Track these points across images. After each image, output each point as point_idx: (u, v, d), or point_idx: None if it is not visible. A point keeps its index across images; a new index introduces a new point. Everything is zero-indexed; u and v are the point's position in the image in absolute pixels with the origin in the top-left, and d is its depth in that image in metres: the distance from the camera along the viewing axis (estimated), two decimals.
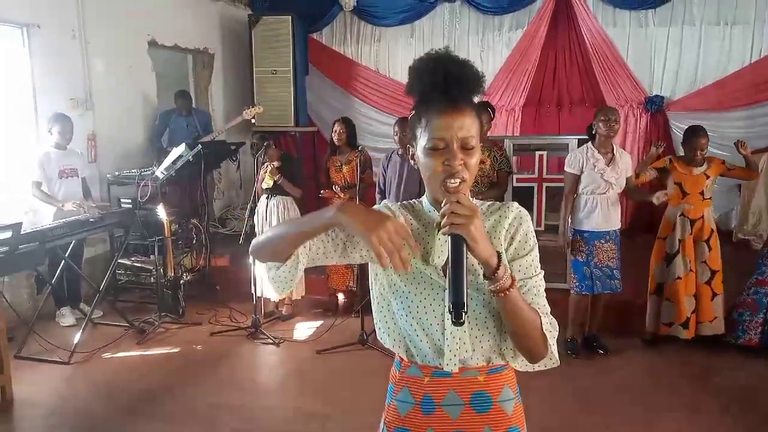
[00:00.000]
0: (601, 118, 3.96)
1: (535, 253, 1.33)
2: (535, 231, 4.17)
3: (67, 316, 4.87)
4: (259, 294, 4.74)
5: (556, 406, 3.50)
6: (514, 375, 1.39)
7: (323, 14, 7.47)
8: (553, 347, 1.30)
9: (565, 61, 7.02)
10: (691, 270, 4.07)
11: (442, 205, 1.17)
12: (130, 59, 6.12)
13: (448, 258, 1.17)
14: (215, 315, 5.03)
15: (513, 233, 1.33)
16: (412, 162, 1.35)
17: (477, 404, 1.32)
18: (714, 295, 4.10)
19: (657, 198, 3.95)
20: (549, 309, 1.32)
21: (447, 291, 1.15)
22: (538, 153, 5.00)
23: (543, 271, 1.33)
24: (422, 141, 1.27)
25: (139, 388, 3.80)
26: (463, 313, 1.11)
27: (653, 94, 6.58)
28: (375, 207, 1.38)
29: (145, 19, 6.22)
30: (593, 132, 4.03)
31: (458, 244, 1.14)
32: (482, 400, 1.32)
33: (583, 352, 4.19)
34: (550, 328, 1.29)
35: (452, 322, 1.13)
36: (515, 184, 4.90)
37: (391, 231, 1.11)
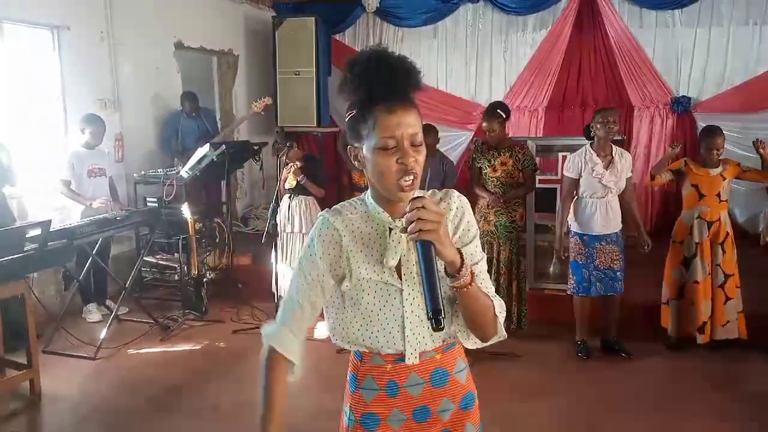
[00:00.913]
0: (599, 119, 3.89)
1: (477, 239, 1.38)
2: (557, 235, 4.12)
3: (93, 313, 4.97)
4: (280, 292, 4.78)
5: (580, 409, 3.47)
6: (462, 347, 1.45)
7: (346, 16, 7.50)
8: (501, 325, 1.37)
9: (589, 61, 6.94)
10: (708, 273, 4.01)
11: (407, 210, 1.16)
12: (157, 61, 6.22)
13: (417, 262, 1.20)
14: (237, 313, 5.08)
15: (457, 223, 1.36)
16: (356, 163, 1.33)
17: (436, 380, 1.39)
18: (727, 299, 4.03)
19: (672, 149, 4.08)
20: (494, 289, 1.39)
21: (424, 299, 1.16)
22: (560, 154, 4.96)
23: (485, 255, 1.40)
24: (370, 141, 1.25)
25: (163, 384, 3.86)
26: (442, 319, 1.14)
27: (680, 95, 6.49)
28: (316, 224, 1.38)
29: (171, 21, 6.31)
30: (591, 134, 3.98)
31: (428, 249, 1.16)
32: (440, 375, 1.39)
33: (605, 357, 4.15)
34: (501, 310, 1.36)
35: (433, 328, 1.15)
36: (538, 185, 4.87)
37: None
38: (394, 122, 1.23)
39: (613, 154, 3.96)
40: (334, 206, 1.40)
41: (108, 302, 5.08)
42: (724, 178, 4.00)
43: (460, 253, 1.22)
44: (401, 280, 1.32)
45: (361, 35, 7.62)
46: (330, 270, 1.34)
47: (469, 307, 1.29)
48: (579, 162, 3.99)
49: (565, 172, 4.10)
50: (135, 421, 3.44)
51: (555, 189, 4.96)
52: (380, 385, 1.39)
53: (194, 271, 4.92)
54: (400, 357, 1.36)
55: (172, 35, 6.38)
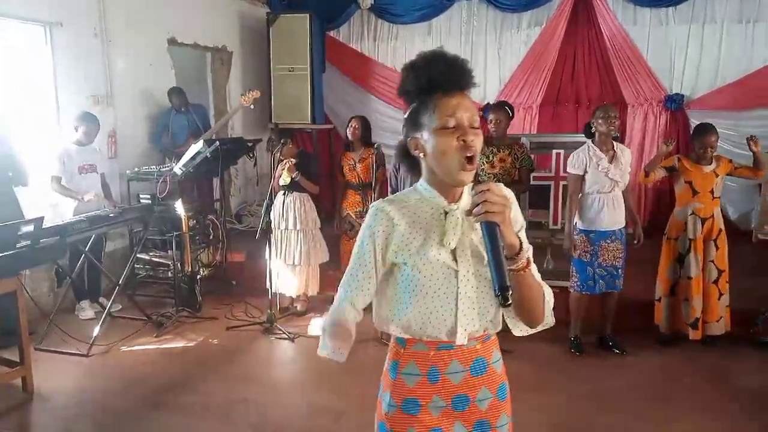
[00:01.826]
0: (601, 115, 3.92)
1: (524, 231, 1.46)
2: (552, 229, 4.21)
3: (86, 310, 4.95)
4: (274, 289, 4.78)
5: (572, 405, 3.49)
6: (497, 338, 1.53)
7: (341, 12, 7.49)
8: (551, 312, 1.47)
9: (583, 58, 6.96)
10: (702, 269, 4.04)
11: (473, 193, 1.26)
12: (150, 57, 6.19)
13: (483, 242, 1.28)
14: (231, 310, 5.07)
15: None
16: (416, 153, 1.42)
17: (475, 369, 1.46)
18: (720, 294, 4.06)
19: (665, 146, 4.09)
20: (540, 277, 1.45)
21: (491, 276, 1.24)
22: (555, 151, 4.98)
23: (531, 246, 1.44)
24: (431, 124, 1.36)
25: (156, 381, 3.85)
26: (510, 295, 1.21)
27: (673, 93, 6.52)
28: (370, 212, 1.46)
29: (165, 17, 6.29)
30: (592, 131, 4.00)
31: (494, 231, 1.24)
32: (480, 364, 1.47)
33: (599, 353, 4.17)
34: (550, 297, 1.47)
35: (501, 305, 1.24)
36: (532, 182, 4.88)
37: None
38: (454, 103, 1.35)
39: (615, 149, 3.98)
40: (387, 197, 1.49)
41: (101, 299, 5.07)
42: (717, 175, 4.03)
43: (519, 238, 1.31)
44: (456, 262, 1.39)
45: (356, 32, 7.62)
46: (383, 253, 1.42)
47: (523, 291, 1.35)
48: (584, 158, 4.00)
49: (569, 170, 4.10)
50: (128, 418, 3.43)
51: (549, 186, 4.97)
52: (422, 371, 1.45)
53: (188, 268, 4.91)
54: (444, 344, 1.43)
55: (166, 31, 6.35)
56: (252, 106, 6.01)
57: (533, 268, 1.39)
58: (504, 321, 1.51)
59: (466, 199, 1.41)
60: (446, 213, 1.40)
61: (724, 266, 4.07)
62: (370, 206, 1.47)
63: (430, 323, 1.41)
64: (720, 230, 4.07)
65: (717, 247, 4.05)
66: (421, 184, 1.45)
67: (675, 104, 6.49)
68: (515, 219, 1.41)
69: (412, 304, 1.41)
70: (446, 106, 1.34)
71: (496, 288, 1.22)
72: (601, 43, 6.74)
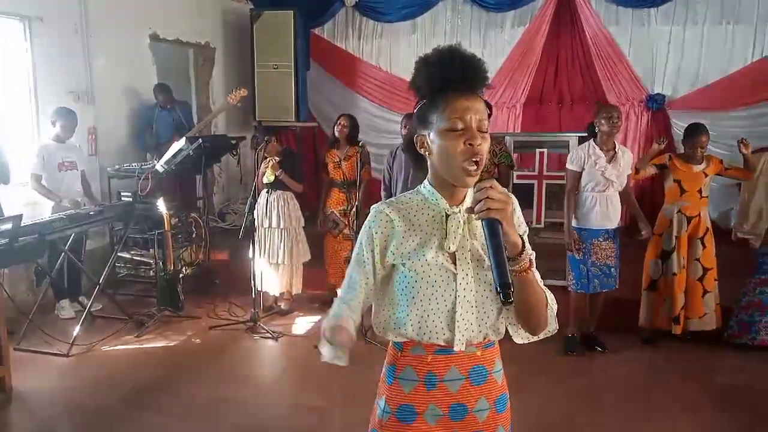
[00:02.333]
0: (604, 115, 3.96)
1: (526, 236, 1.42)
2: (535, 228, 4.22)
3: (66, 309, 4.88)
4: (258, 288, 4.75)
5: (554, 403, 3.51)
6: (499, 348, 1.49)
7: (325, 9, 7.45)
8: (554, 318, 1.43)
9: (566, 58, 7.00)
10: (683, 267, 4.09)
11: (474, 191, 1.25)
12: (132, 53, 6.12)
13: (483, 242, 1.27)
14: (214, 309, 5.04)
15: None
16: (422, 151, 1.40)
17: (475, 377, 1.42)
18: (705, 292, 4.11)
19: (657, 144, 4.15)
20: (543, 284, 1.43)
21: (492, 273, 1.22)
22: (538, 150, 5.00)
23: (534, 252, 1.41)
24: (440, 124, 1.33)
25: (137, 381, 3.81)
26: (511, 293, 1.19)
27: (654, 92, 6.58)
28: (371, 215, 1.43)
29: (146, 13, 6.21)
30: (595, 129, 4.03)
31: (495, 228, 1.23)
32: (479, 373, 1.43)
33: (581, 350, 4.20)
34: (553, 302, 1.42)
35: (502, 302, 1.21)
36: (515, 180, 4.90)
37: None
38: (464, 105, 1.31)
39: (616, 150, 4.01)
40: (389, 200, 1.47)
41: (81, 298, 5.00)
42: (706, 175, 4.08)
43: (521, 238, 1.29)
44: (455, 265, 1.36)
45: (340, 30, 7.58)
46: (381, 255, 1.39)
47: (525, 295, 1.31)
48: (582, 155, 4.03)
49: (568, 165, 4.12)
50: (109, 418, 3.39)
51: (532, 185, 4.99)
52: (420, 377, 1.41)
53: (170, 267, 4.86)
54: (442, 348, 1.39)
55: (148, 27, 6.28)
56: (239, 104, 5.98)
57: (537, 273, 1.37)
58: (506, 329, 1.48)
59: (468, 203, 1.38)
60: (448, 216, 1.38)
61: (710, 264, 4.13)
62: (371, 208, 1.45)
63: (427, 327, 1.38)
64: (707, 229, 4.13)
65: (704, 246, 4.11)
66: (425, 185, 1.43)
67: (656, 104, 6.55)
68: (518, 223, 1.40)
69: (409, 307, 1.38)
70: (456, 107, 1.31)
71: (497, 285, 1.19)
72: (584, 42, 6.77)
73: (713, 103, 6.30)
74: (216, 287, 5.47)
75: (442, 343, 1.38)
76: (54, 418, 3.39)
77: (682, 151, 4.20)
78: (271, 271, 4.89)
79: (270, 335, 4.49)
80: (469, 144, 1.30)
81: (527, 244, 1.37)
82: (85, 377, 3.89)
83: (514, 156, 4.96)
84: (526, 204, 5.12)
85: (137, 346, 4.37)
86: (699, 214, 4.10)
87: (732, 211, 6.40)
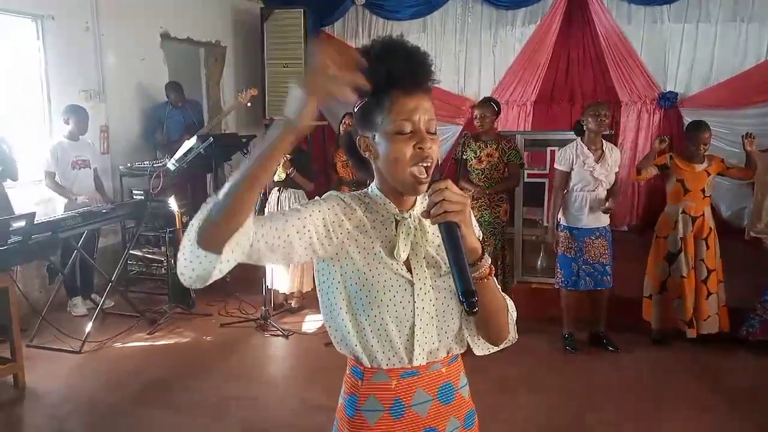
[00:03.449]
0: (591, 113, 3.92)
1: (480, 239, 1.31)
2: (546, 227, 4.18)
3: (78, 306, 4.92)
4: (268, 286, 4.76)
5: (565, 402, 3.50)
6: (462, 363, 1.38)
7: (335, 8, 7.46)
8: (514, 327, 1.33)
9: (578, 56, 6.96)
10: (692, 268, 4.04)
11: (429, 193, 1.12)
12: (143, 52, 6.15)
13: (442, 248, 1.14)
14: (225, 306, 5.06)
15: None
16: (366, 154, 1.26)
17: (443, 396, 1.31)
18: (708, 293, 4.06)
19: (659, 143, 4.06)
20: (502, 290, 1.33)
21: (454, 281, 1.09)
22: (549, 149, 4.98)
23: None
24: (385, 126, 1.20)
25: (149, 378, 3.83)
26: (476, 301, 1.06)
27: (667, 91, 6.53)
28: (325, 195, 1.29)
29: (158, 11, 6.24)
30: (582, 128, 4.01)
31: (453, 232, 1.11)
32: (447, 391, 1.31)
33: (592, 350, 4.18)
34: (513, 310, 1.32)
35: (466, 312, 1.07)
36: (526, 179, 4.89)
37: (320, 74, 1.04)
38: (412, 106, 1.19)
39: (604, 149, 3.98)
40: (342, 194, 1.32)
41: (93, 296, 5.04)
42: (709, 174, 4.04)
43: (480, 242, 1.19)
44: (411, 273, 1.24)
45: (350, 28, 7.59)
46: (330, 233, 1.21)
47: (488, 302, 1.21)
48: (570, 155, 4.01)
49: (556, 166, 4.11)
50: (120, 415, 3.41)
51: (543, 183, 4.97)
52: (385, 406, 1.28)
53: None
54: (406, 372, 1.27)
55: (159, 26, 6.31)
56: (249, 104, 6.00)
57: (494, 280, 1.25)
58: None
59: (419, 207, 1.28)
60: (398, 221, 1.25)
61: (713, 265, 4.08)
62: (326, 194, 1.30)
63: (387, 340, 1.24)
64: (711, 229, 4.08)
65: (708, 246, 4.06)
66: (372, 189, 1.29)
67: (668, 102, 6.51)
68: (474, 225, 1.26)
69: (369, 316, 1.23)
70: (404, 108, 1.18)
71: (461, 293, 1.06)
72: (596, 40, 6.74)
73: (726, 101, 6.25)
74: (227, 285, 5.47)
75: (406, 363, 1.26)
76: (66, 415, 3.41)
77: (686, 150, 4.14)
78: (282, 270, 4.91)
79: (280, 333, 4.51)
80: (419, 148, 1.18)
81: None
82: (97, 374, 3.92)
83: (525, 155, 4.94)
84: (536, 202, 5.11)
85: (149, 344, 4.40)
86: (703, 214, 4.05)
87: (745, 211, 6.34)
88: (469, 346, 1.35)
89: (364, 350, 1.26)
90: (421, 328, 1.24)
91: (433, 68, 1.24)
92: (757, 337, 4.10)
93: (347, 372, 1.35)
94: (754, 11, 6.16)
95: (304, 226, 1.17)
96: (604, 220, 4.05)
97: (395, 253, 1.23)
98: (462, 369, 1.37)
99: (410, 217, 1.26)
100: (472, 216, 1.23)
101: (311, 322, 4.82)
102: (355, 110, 1.27)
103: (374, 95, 1.21)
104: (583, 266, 4.03)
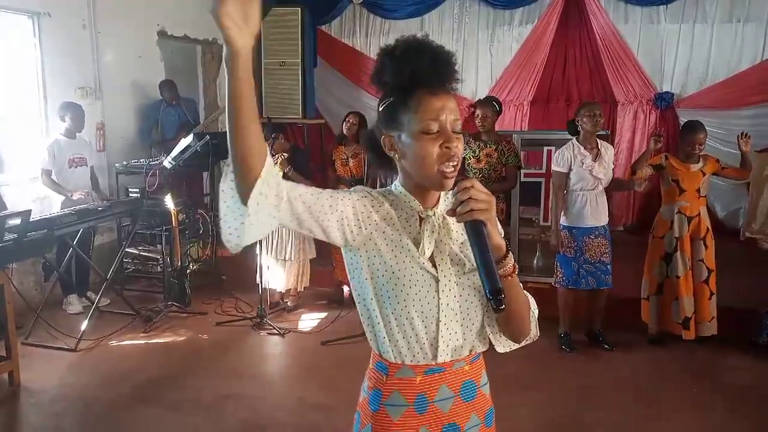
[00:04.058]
0: (586, 113, 3.93)
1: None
2: (542, 226, 4.19)
3: (74, 304, 4.91)
4: (264, 285, 4.76)
5: (562, 401, 3.51)
6: (484, 361, 1.41)
7: (332, 6, 7.45)
8: (536, 324, 1.35)
9: (574, 56, 6.97)
10: (689, 269, 4.05)
11: (455, 191, 1.14)
12: (140, 49, 6.13)
13: (470, 245, 1.15)
14: (221, 305, 5.05)
15: None
16: (390, 153, 1.28)
17: (465, 393, 1.34)
18: (711, 294, 4.08)
19: (638, 184, 3.96)
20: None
21: (481, 279, 1.11)
22: (546, 148, 4.98)
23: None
24: (411, 126, 1.22)
25: (144, 376, 3.82)
26: (503, 299, 1.09)
27: (663, 91, 6.55)
28: (353, 188, 1.31)
29: (155, 9, 6.23)
30: (577, 128, 4.01)
31: (479, 230, 1.13)
32: (469, 388, 1.34)
33: (589, 349, 4.19)
34: (535, 308, 1.35)
35: (494, 309, 1.10)
36: (522, 179, 4.89)
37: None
38: (438, 105, 1.21)
39: (599, 147, 3.99)
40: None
41: (89, 293, 5.03)
42: (704, 174, 4.05)
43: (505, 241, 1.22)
44: (436, 269, 1.26)
45: (348, 26, 7.58)
46: (355, 221, 1.22)
47: (510, 300, 1.20)
48: (569, 156, 4.01)
49: (554, 167, 4.11)
50: (116, 413, 3.41)
51: (540, 183, 4.98)
52: (409, 401, 1.30)
53: (177, 263, 4.88)
54: (430, 368, 1.30)
55: (156, 23, 6.29)
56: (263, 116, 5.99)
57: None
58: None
59: (443, 205, 1.30)
60: (422, 219, 1.28)
61: (713, 265, 4.09)
62: (353, 188, 1.32)
63: (413, 334, 1.27)
64: (707, 229, 4.10)
65: (706, 246, 4.07)
66: (396, 186, 1.32)
67: (665, 102, 6.52)
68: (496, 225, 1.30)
69: (396, 308, 1.26)
70: (430, 108, 1.20)
71: (488, 291, 1.09)
72: (592, 40, 6.75)
73: (722, 102, 6.27)
74: (223, 283, 5.48)
75: (431, 360, 1.29)
76: (61, 412, 3.40)
77: (681, 150, 4.15)
78: (278, 268, 4.90)
79: (276, 331, 4.50)
80: (446, 147, 1.20)
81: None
82: (93, 372, 3.91)
83: (521, 154, 4.95)
84: (532, 201, 5.11)
85: (144, 342, 4.39)
86: (698, 214, 4.06)
87: (741, 211, 6.36)
88: (491, 343, 1.37)
89: (390, 344, 1.29)
90: (445, 324, 1.27)
91: (456, 68, 1.26)
92: None
93: (371, 366, 1.37)
94: (751, 12, 6.18)
95: (338, 205, 1.19)
96: (603, 219, 4.05)
97: (420, 249, 1.25)
98: (483, 367, 1.39)
99: (434, 214, 1.28)
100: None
101: (307, 321, 4.82)
102: (379, 109, 1.29)
103: (399, 95, 1.24)
104: (584, 265, 4.03)
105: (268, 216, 1.11)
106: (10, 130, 4.96)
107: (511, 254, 1.21)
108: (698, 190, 4.05)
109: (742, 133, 4.14)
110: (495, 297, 1.09)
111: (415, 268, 1.25)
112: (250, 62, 1.04)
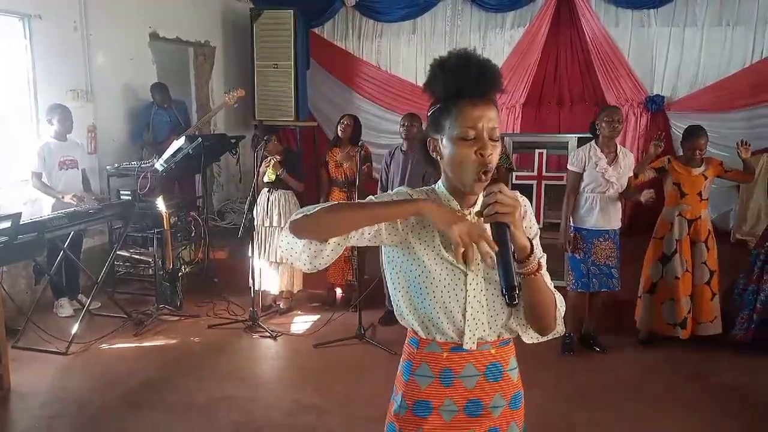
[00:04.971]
0: (605, 118, 3.95)
1: (538, 238, 1.45)
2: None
3: (65, 307, 4.88)
4: (257, 287, 4.75)
5: (553, 402, 3.51)
6: (514, 347, 1.51)
7: (325, 9, 7.46)
8: (561, 320, 1.44)
9: (566, 59, 7.02)
10: (687, 270, 4.08)
11: (484, 195, 1.25)
12: (131, 51, 6.11)
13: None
14: (213, 307, 5.03)
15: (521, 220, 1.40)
16: (434, 155, 1.40)
17: (491, 374, 1.45)
18: (713, 295, 4.11)
19: (644, 197, 3.94)
20: (553, 285, 1.43)
21: (499, 275, 1.23)
22: (537, 151, 5.01)
23: (545, 253, 1.44)
24: (452, 131, 1.33)
25: (136, 380, 3.80)
26: (517, 295, 1.21)
27: (654, 94, 6.59)
28: (393, 191, 1.45)
29: (146, 11, 6.21)
30: (597, 131, 4.04)
31: (503, 231, 1.24)
32: (495, 370, 1.45)
33: (582, 351, 4.20)
34: (561, 305, 1.44)
35: (507, 304, 1.24)
36: (515, 181, 4.91)
37: (469, 227, 1.24)
38: (477, 114, 1.31)
39: (618, 152, 4.01)
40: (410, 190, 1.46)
41: (80, 296, 5.00)
42: (706, 178, 4.07)
43: (530, 241, 1.30)
44: (466, 265, 1.37)
45: (340, 29, 7.59)
46: (392, 224, 1.37)
47: (533, 296, 1.34)
48: (584, 157, 4.03)
49: (569, 167, 4.13)
50: (107, 417, 3.39)
51: (532, 185, 5.00)
52: (435, 373, 1.43)
53: (169, 265, 4.86)
54: (457, 346, 1.41)
55: (147, 25, 6.27)
56: (236, 105, 5.97)
57: (546, 275, 1.39)
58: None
59: (479, 206, 1.37)
60: None
61: (715, 267, 4.12)
62: (395, 189, 1.46)
63: (441, 322, 1.39)
64: (709, 231, 4.13)
65: (708, 248, 4.10)
66: (439, 186, 1.44)
67: (655, 105, 6.57)
68: (530, 226, 1.43)
69: (425, 300, 1.39)
70: (469, 115, 1.31)
71: (503, 288, 1.22)
72: (584, 44, 6.79)
73: (713, 105, 6.32)
74: (215, 286, 5.46)
75: (457, 340, 1.40)
76: (52, 416, 3.38)
77: (681, 154, 4.20)
78: (271, 271, 4.90)
79: (269, 334, 4.49)
80: (480, 154, 1.30)
81: (538, 247, 1.40)
82: (84, 375, 3.89)
83: (514, 157, 4.97)
84: None
85: (136, 345, 4.37)
86: (700, 217, 4.09)
87: (731, 213, 6.42)
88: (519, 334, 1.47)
89: (421, 326, 1.43)
90: (472, 315, 1.39)
91: (501, 80, 1.36)
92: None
93: (406, 342, 1.51)
94: (740, 15, 6.24)
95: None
96: (614, 223, 4.06)
97: (453, 246, 1.32)
98: (513, 353, 1.50)
99: (470, 214, 1.38)
100: (529, 215, 1.44)
101: (300, 323, 4.81)
102: (428, 114, 1.42)
103: (445, 102, 1.36)
104: (591, 267, 4.05)
105: (337, 244, 1.33)
106: (1, 132, 4.93)
107: (535, 254, 1.31)
108: (700, 194, 4.08)
109: (741, 141, 4.18)
110: (509, 293, 1.21)
111: (445, 264, 1.38)
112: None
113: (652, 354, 4.18)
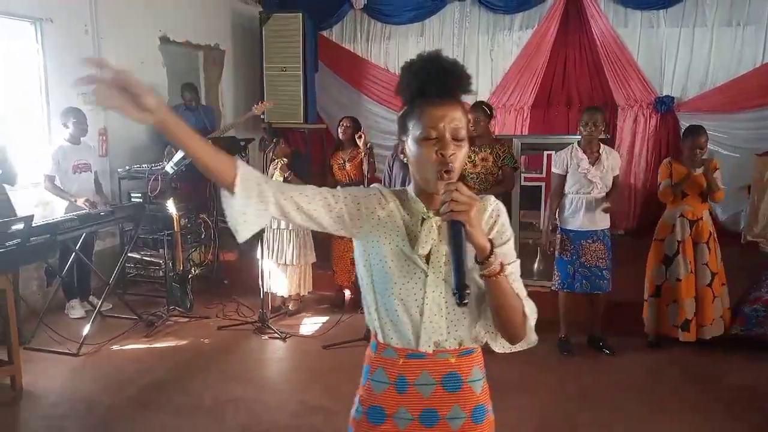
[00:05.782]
0: (584, 120, 3.96)
1: (512, 242, 1.41)
2: (543, 230, 4.12)
3: (76, 309, 4.92)
4: (266, 289, 4.77)
5: (560, 403, 3.51)
6: (482, 357, 1.46)
7: (333, 12, 7.49)
8: (532, 329, 1.38)
9: (575, 60, 7.00)
10: (690, 272, 4.05)
11: (441, 193, 1.24)
12: (142, 55, 6.16)
13: (448, 243, 1.24)
14: (223, 309, 5.06)
15: (492, 224, 1.40)
16: (401, 156, 1.42)
17: (448, 384, 1.40)
18: (714, 297, 4.08)
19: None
20: (526, 293, 1.39)
21: (452, 274, 1.20)
22: (546, 152, 4.99)
23: (519, 260, 1.41)
24: (415, 131, 1.33)
25: (146, 381, 3.83)
26: (467, 294, 1.17)
27: (663, 95, 6.56)
28: (368, 188, 1.46)
29: (157, 14, 6.26)
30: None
31: (458, 229, 1.21)
32: (453, 380, 1.40)
33: (588, 352, 4.19)
34: (532, 313, 1.37)
35: (457, 303, 1.19)
36: (523, 183, 4.90)
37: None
38: (439, 114, 1.30)
39: (601, 152, 4.01)
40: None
41: (91, 298, 5.04)
42: (707, 178, 4.04)
43: (491, 242, 1.27)
44: (428, 266, 1.36)
45: (349, 32, 7.62)
46: (357, 214, 1.38)
47: (496, 300, 1.30)
48: (566, 158, 4.04)
49: (552, 169, 4.16)
50: (118, 417, 3.42)
51: (540, 187, 4.99)
52: (390, 379, 1.42)
53: (179, 267, 4.89)
54: (414, 353, 1.39)
55: (158, 29, 6.33)
56: (262, 116, 6.05)
57: (518, 284, 1.36)
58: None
59: None
60: (424, 219, 1.38)
61: (716, 268, 4.10)
62: (372, 185, 1.47)
63: (400, 319, 1.37)
64: (710, 232, 4.10)
65: (709, 249, 4.08)
66: (409, 186, 1.44)
67: (665, 106, 6.54)
68: (502, 231, 1.39)
69: (386, 291, 1.38)
70: (431, 116, 1.30)
71: (454, 286, 1.19)
72: (592, 45, 6.78)
73: (722, 106, 6.29)
74: (225, 288, 5.49)
75: (413, 346, 1.38)
76: (63, 417, 3.41)
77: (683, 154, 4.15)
78: (280, 272, 4.92)
79: (278, 335, 4.51)
80: (441, 153, 1.29)
81: (510, 252, 1.38)
82: (95, 376, 3.92)
83: (522, 158, 4.96)
84: (533, 206, 5.12)
85: (146, 346, 4.40)
86: (701, 218, 4.07)
87: (742, 215, 6.37)
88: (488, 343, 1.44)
89: (380, 326, 1.42)
90: (429, 317, 1.37)
91: (468, 82, 1.36)
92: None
93: (368, 345, 1.50)
94: (750, 15, 6.20)
95: (336, 202, 1.37)
96: (602, 224, 4.06)
97: (415, 246, 1.36)
98: (477, 364, 1.45)
99: (434, 216, 1.37)
100: (503, 219, 1.39)
101: (309, 325, 4.83)
102: (400, 116, 1.42)
103: (410, 104, 1.37)
104: (579, 269, 4.05)
105: (256, 216, 1.33)
106: (14, 136, 4.97)
107: (495, 255, 1.26)
108: (701, 194, 4.05)
109: (707, 159, 4.01)
110: (459, 291, 1.17)
111: (408, 262, 1.36)
112: (174, 125, 1.25)
113: (659, 356, 4.16)
